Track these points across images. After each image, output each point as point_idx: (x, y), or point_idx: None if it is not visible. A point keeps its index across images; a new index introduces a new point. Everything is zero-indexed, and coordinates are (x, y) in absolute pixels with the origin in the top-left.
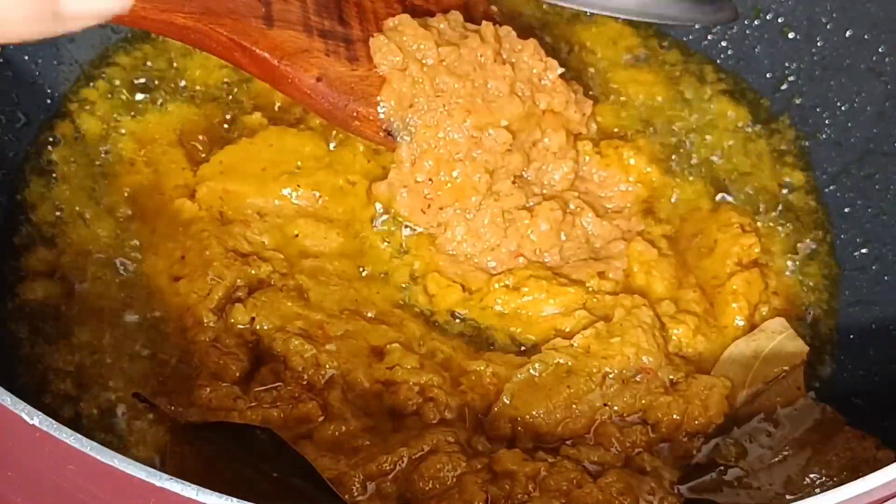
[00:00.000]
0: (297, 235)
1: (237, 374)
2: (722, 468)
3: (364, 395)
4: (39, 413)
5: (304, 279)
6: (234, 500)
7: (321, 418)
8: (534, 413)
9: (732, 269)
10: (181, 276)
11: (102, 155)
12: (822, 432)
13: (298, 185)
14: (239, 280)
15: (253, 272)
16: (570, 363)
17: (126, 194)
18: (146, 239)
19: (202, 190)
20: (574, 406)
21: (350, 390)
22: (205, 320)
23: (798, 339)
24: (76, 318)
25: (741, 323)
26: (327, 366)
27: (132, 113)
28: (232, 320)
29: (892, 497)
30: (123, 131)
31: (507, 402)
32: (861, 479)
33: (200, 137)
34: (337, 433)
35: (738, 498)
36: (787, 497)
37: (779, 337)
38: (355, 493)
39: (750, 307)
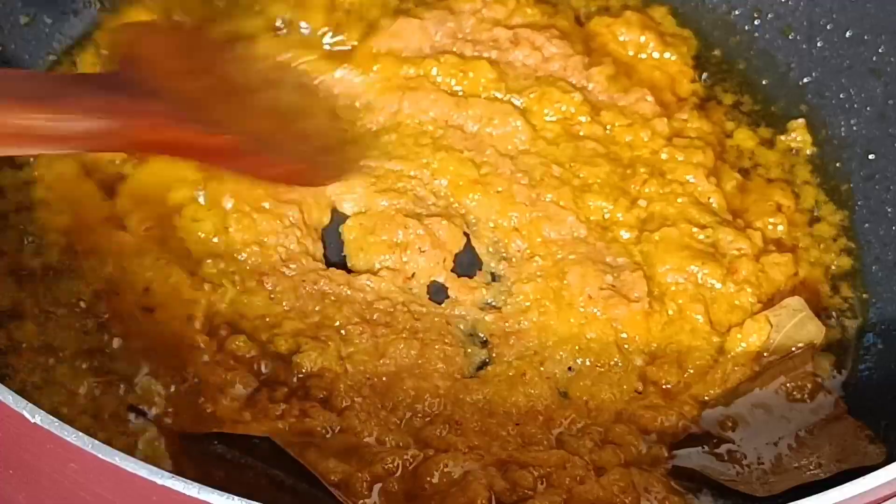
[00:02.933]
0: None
1: (243, 389)
2: (715, 441)
3: (372, 405)
4: (41, 411)
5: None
6: (236, 498)
7: (328, 435)
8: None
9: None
10: (152, 307)
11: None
12: (821, 417)
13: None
14: (219, 302)
15: (222, 292)
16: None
17: (57, 239)
18: (103, 280)
19: (131, 220)
20: (600, 396)
21: (360, 397)
22: (198, 343)
23: (816, 320)
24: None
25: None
26: (341, 385)
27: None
28: (231, 346)
29: (892, 497)
30: (36, 174)
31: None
32: (861, 478)
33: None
34: (344, 440)
35: (726, 471)
36: (772, 479)
37: (799, 315)
38: (361, 495)
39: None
